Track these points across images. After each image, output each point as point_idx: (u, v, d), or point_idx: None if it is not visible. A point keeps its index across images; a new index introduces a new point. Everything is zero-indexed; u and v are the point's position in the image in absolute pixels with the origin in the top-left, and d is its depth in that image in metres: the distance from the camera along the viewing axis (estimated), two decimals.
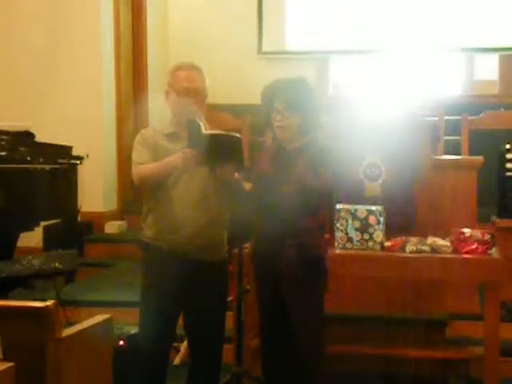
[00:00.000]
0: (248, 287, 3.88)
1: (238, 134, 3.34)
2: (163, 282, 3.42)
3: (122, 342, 3.94)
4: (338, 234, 3.86)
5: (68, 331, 2.78)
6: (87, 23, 6.58)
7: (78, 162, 5.51)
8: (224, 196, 3.45)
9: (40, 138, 5.57)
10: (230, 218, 3.55)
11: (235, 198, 3.47)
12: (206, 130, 3.31)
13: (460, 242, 3.83)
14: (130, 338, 3.98)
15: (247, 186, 3.50)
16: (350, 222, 3.84)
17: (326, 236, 3.66)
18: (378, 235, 3.83)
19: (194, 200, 3.41)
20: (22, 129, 5.53)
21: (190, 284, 3.42)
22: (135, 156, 3.47)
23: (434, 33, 7.52)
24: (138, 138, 3.52)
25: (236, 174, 3.39)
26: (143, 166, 3.42)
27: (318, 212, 3.47)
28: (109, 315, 3.08)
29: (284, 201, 3.36)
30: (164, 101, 3.55)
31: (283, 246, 3.39)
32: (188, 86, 3.42)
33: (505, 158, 4.82)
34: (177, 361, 4.47)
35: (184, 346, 4.38)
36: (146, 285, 3.52)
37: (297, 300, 3.42)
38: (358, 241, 3.85)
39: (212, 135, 3.29)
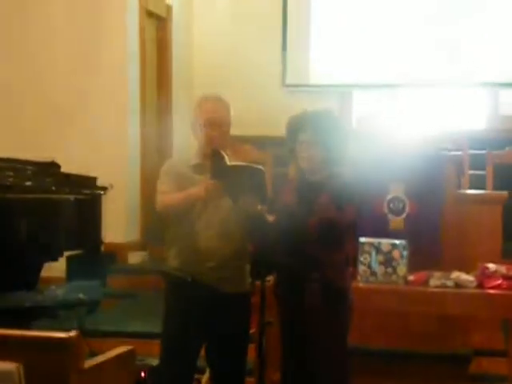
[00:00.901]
0: (270, 320, 3.86)
1: (261, 166, 3.35)
2: (186, 313, 3.41)
3: (143, 374, 3.94)
4: (362, 268, 3.85)
5: (91, 362, 2.78)
6: (114, 51, 6.65)
7: (103, 192, 5.53)
8: (247, 228, 3.45)
9: (64, 165, 5.61)
10: (253, 250, 3.55)
11: (258, 230, 3.47)
12: (229, 161, 3.32)
13: (485, 277, 3.80)
14: (151, 370, 3.97)
15: (270, 218, 3.50)
16: (373, 255, 3.82)
17: (350, 269, 3.64)
18: (402, 269, 3.82)
19: (217, 231, 3.41)
20: (48, 159, 5.57)
21: (212, 316, 3.42)
22: (160, 185, 3.49)
23: (459, 67, 7.54)
24: (165, 167, 3.55)
25: (259, 206, 3.40)
26: (167, 195, 3.44)
27: (342, 245, 3.46)
28: (131, 347, 3.08)
29: (308, 233, 3.36)
30: (190, 132, 3.58)
31: (307, 279, 3.38)
32: (213, 117, 3.45)
33: None
34: None
35: (206, 377, 4.36)
36: (168, 316, 3.52)
37: (321, 333, 3.40)
38: (381, 274, 3.83)
39: (235, 167, 3.31)
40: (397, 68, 7.63)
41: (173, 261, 3.50)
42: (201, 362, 3.61)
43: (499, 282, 3.77)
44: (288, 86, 7.94)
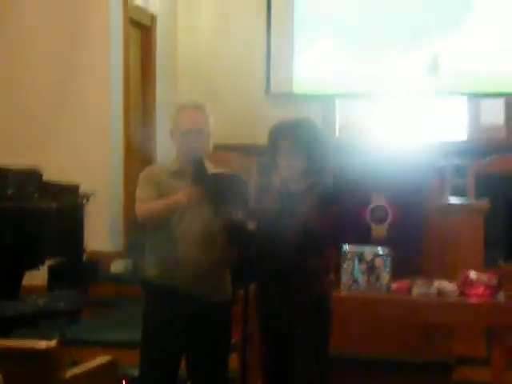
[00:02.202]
0: (253, 328, 3.86)
1: (241, 174, 3.35)
2: (165, 322, 3.39)
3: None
4: (344, 277, 3.85)
5: (72, 372, 2.76)
6: (96, 62, 6.62)
7: (85, 200, 5.52)
8: (227, 236, 3.45)
9: (47, 175, 5.59)
10: (234, 258, 3.54)
11: (239, 239, 3.47)
12: (211, 169, 3.32)
13: (467, 285, 3.81)
14: (132, 380, 3.95)
15: (251, 226, 3.49)
16: (356, 263, 3.82)
17: (331, 277, 3.64)
18: (385, 277, 3.82)
19: (197, 239, 3.40)
20: (30, 168, 5.55)
21: (193, 325, 3.40)
22: (139, 193, 3.48)
23: (441, 77, 7.59)
24: (143, 175, 3.54)
25: (240, 214, 3.39)
26: (146, 203, 3.42)
27: (323, 253, 3.46)
28: (113, 357, 3.07)
29: (287, 242, 3.36)
30: (170, 139, 3.57)
31: (287, 286, 3.38)
32: (191, 127, 3.44)
33: None
34: None
35: None
36: (147, 325, 3.50)
37: (301, 343, 3.40)
38: (364, 283, 3.83)
39: (216, 175, 3.31)
40: (380, 78, 7.67)
41: (152, 269, 3.48)
42: (182, 372, 3.60)
43: (481, 290, 3.78)
44: (272, 94, 7.96)
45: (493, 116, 7.76)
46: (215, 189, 3.28)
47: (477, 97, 7.71)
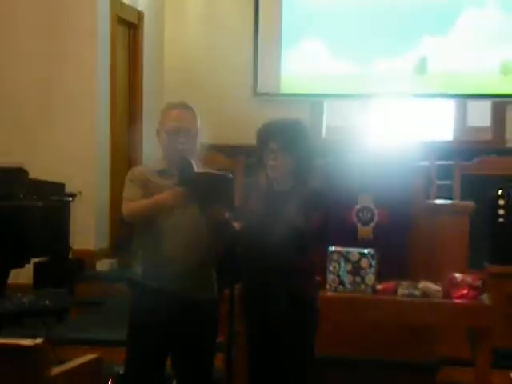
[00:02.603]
0: (239, 329, 3.86)
1: (228, 174, 3.35)
2: (151, 320, 3.39)
3: (110, 382, 3.92)
4: (330, 277, 3.86)
5: (57, 370, 2.76)
6: (83, 60, 6.62)
7: (71, 199, 5.51)
8: (214, 235, 3.45)
9: (33, 173, 5.57)
10: (220, 258, 3.54)
11: (225, 238, 3.47)
12: (197, 169, 3.32)
13: (451, 286, 3.83)
14: (118, 378, 3.95)
15: (237, 225, 3.50)
16: (342, 264, 3.84)
17: (318, 278, 3.65)
18: (370, 278, 3.84)
19: (183, 238, 3.40)
20: (16, 165, 5.54)
21: (178, 323, 3.40)
22: (126, 192, 3.47)
23: (427, 78, 7.63)
24: (130, 174, 3.53)
25: (226, 214, 3.40)
26: (133, 202, 3.42)
27: (308, 254, 3.46)
28: (98, 355, 3.06)
29: (273, 242, 3.36)
30: (156, 139, 3.57)
31: (273, 287, 3.38)
32: (178, 125, 3.43)
33: (497, 203, 4.84)
34: None
35: None
36: (132, 324, 3.49)
37: (287, 341, 3.41)
38: (349, 283, 3.85)
39: (202, 174, 3.31)
40: (367, 79, 7.70)
41: (138, 268, 3.48)
42: (168, 370, 3.60)
43: (465, 291, 3.80)
44: (259, 94, 7.97)
45: (479, 118, 7.81)
46: (202, 188, 3.28)
47: (464, 98, 7.75)
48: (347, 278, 3.84)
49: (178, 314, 3.38)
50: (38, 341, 2.65)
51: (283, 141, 3.45)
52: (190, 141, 3.45)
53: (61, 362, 3.10)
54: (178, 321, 3.39)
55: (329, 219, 3.48)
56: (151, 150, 6.86)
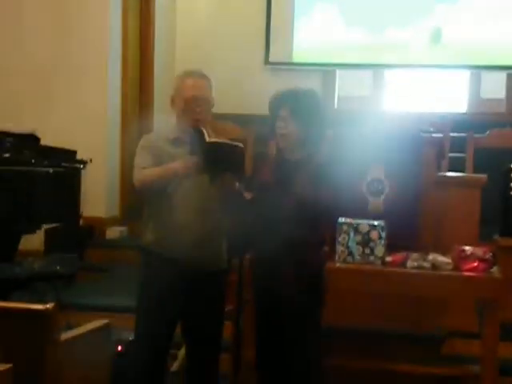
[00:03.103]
0: (247, 297, 3.88)
1: (240, 144, 3.34)
2: (161, 288, 3.41)
3: (120, 348, 3.95)
4: (339, 248, 3.86)
5: (67, 335, 2.78)
6: (95, 27, 6.59)
7: (82, 166, 5.51)
8: (225, 205, 3.45)
9: (44, 141, 5.58)
10: (230, 228, 3.55)
11: (235, 208, 3.47)
12: (209, 138, 3.31)
13: (461, 259, 3.82)
14: (128, 344, 3.98)
15: (248, 195, 3.50)
16: (351, 236, 3.83)
17: (326, 249, 3.65)
18: (380, 250, 3.83)
19: (194, 208, 3.41)
20: (27, 131, 5.54)
21: (188, 292, 3.42)
22: (138, 160, 3.47)
23: (442, 49, 7.56)
24: (142, 142, 3.53)
25: (237, 184, 3.39)
26: (145, 170, 3.42)
27: (317, 226, 3.46)
28: (108, 320, 3.08)
29: (283, 213, 3.36)
30: (169, 106, 3.56)
31: (281, 259, 3.38)
32: (195, 94, 3.43)
33: (509, 176, 4.81)
34: (174, 367, 4.46)
35: (182, 353, 4.37)
36: (143, 291, 3.52)
37: (294, 314, 3.41)
38: (359, 255, 3.84)
39: (214, 143, 3.30)
40: (380, 49, 7.64)
41: (149, 236, 3.50)
42: (178, 336, 3.62)
43: (475, 264, 3.80)
44: (271, 63, 7.92)
45: (494, 90, 7.74)
46: (213, 157, 3.28)
47: (478, 69, 7.68)
48: (356, 250, 3.84)
49: (189, 283, 3.40)
50: (49, 306, 2.67)
51: (293, 108, 3.43)
52: (205, 110, 3.45)
53: (70, 327, 3.14)
54: (189, 289, 3.41)
55: (339, 191, 3.47)
56: (162, 118, 6.88)
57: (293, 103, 3.44)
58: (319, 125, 3.51)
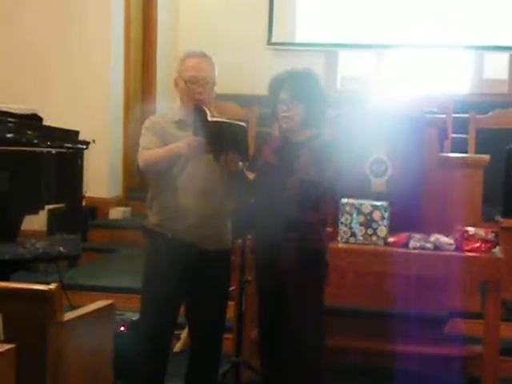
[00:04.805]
0: (250, 278, 3.89)
1: (243, 124, 3.34)
2: (166, 269, 3.42)
3: (123, 328, 3.97)
4: (342, 228, 3.87)
5: (70, 315, 2.79)
6: (97, 6, 6.58)
7: (85, 146, 5.50)
8: (228, 185, 3.45)
9: (46, 122, 5.57)
10: (234, 208, 3.55)
11: (238, 188, 3.47)
12: (213, 118, 3.31)
13: (463, 239, 3.83)
14: (131, 324, 4.00)
15: (251, 176, 3.50)
16: (354, 216, 3.84)
17: (329, 229, 3.65)
18: (382, 230, 3.84)
19: (198, 188, 3.41)
20: (30, 112, 5.53)
21: (192, 272, 3.43)
22: (142, 141, 3.47)
23: (445, 29, 7.53)
24: (147, 123, 3.53)
25: (240, 164, 3.39)
26: (149, 151, 3.42)
27: (320, 207, 3.46)
28: (110, 301, 3.09)
29: (286, 194, 3.36)
30: (173, 88, 3.55)
31: (284, 239, 3.38)
32: (196, 75, 3.42)
33: None
34: (177, 348, 4.48)
35: (185, 333, 4.39)
36: (148, 271, 3.53)
37: (296, 293, 3.42)
38: (361, 235, 3.85)
39: (217, 123, 3.29)
40: (383, 29, 7.61)
41: (153, 217, 3.50)
42: (180, 318, 3.64)
43: (477, 244, 3.80)
44: (274, 44, 7.89)
45: (496, 70, 7.72)
46: (216, 137, 3.27)
47: (481, 50, 7.65)
48: (359, 230, 3.84)
49: (193, 263, 3.41)
50: (52, 286, 2.68)
51: (293, 90, 3.42)
52: (207, 90, 3.44)
53: (73, 308, 3.15)
54: (193, 269, 3.42)
55: (342, 172, 3.47)
56: (164, 98, 6.87)
57: (291, 85, 3.43)
58: (320, 104, 3.50)
